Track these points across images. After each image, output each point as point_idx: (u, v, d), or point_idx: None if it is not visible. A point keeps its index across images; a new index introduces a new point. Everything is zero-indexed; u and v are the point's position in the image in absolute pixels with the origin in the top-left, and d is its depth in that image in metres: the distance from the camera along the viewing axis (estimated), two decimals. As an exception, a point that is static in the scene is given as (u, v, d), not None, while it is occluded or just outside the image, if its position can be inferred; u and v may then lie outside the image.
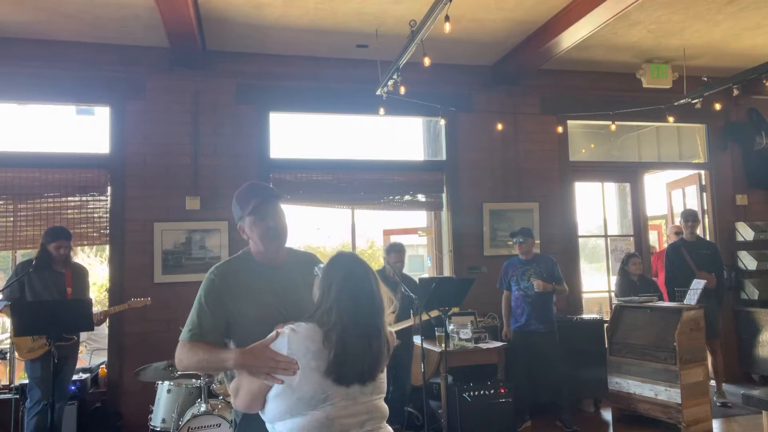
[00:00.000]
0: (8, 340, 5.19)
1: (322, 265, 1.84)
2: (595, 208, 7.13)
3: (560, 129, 6.35)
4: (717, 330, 5.70)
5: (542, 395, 5.19)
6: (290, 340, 1.71)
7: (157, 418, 4.07)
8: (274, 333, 1.74)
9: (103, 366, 5.33)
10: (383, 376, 1.82)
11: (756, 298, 6.49)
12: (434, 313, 4.65)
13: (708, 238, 6.90)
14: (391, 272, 5.05)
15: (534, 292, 5.04)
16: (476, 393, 4.54)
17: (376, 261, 11.64)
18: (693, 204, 7.13)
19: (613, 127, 6.22)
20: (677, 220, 7.30)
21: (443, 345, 4.48)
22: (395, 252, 5.11)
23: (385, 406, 1.84)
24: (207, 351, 1.86)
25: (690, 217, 5.91)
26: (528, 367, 5.09)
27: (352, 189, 5.99)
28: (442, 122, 5.95)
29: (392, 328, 5.15)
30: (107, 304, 5.29)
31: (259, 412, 1.79)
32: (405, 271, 5.34)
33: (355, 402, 1.71)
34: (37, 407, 4.19)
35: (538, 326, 5.06)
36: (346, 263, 1.81)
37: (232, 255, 2.20)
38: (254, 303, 1.96)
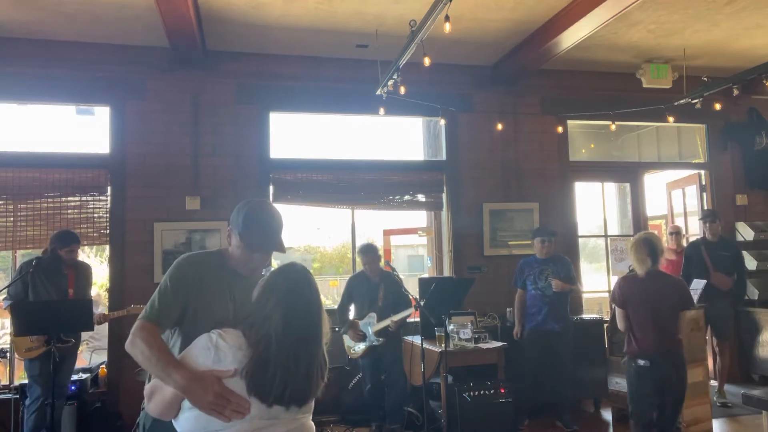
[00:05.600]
0: (8, 338, 5.19)
1: (272, 269, 1.75)
2: (595, 208, 7.13)
3: (560, 129, 6.35)
4: (728, 332, 5.65)
5: (544, 395, 5.20)
6: (218, 346, 1.61)
7: (157, 418, 4.07)
8: (231, 369, 1.59)
9: (103, 366, 5.33)
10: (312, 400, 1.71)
11: (756, 298, 6.49)
12: (406, 314, 4.78)
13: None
14: (370, 274, 5.08)
15: (552, 291, 5.06)
16: (476, 393, 4.54)
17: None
18: (693, 204, 7.12)
19: (613, 127, 6.22)
20: (677, 220, 7.31)
21: (443, 345, 4.48)
22: (362, 254, 5.13)
23: (311, 426, 1.75)
24: (158, 351, 1.73)
25: (707, 217, 5.84)
26: (537, 367, 5.10)
27: (352, 189, 5.98)
28: (442, 122, 5.95)
29: (374, 328, 5.12)
30: (107, 303, 5.29)
31: (173, 420, 1.67)
32: (405, 271, 5.34)
33: (277, 421, 1.60)
34: (36, 404, 4.21)
35: (555, 325, 5.07)
36: (293, 278, 1.69)
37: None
38: (211, 303, 1.93)
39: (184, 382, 1.60)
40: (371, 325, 4.96)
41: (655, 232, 4.44)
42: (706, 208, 6.53)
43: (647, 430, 3.59)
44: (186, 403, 1.62)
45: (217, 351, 1.61)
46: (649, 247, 3.67)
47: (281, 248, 2.00)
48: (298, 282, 1.69)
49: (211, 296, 1.94)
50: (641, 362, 3.56)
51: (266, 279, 1.72)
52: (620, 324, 3.76)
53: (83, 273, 4.62)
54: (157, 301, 1.90)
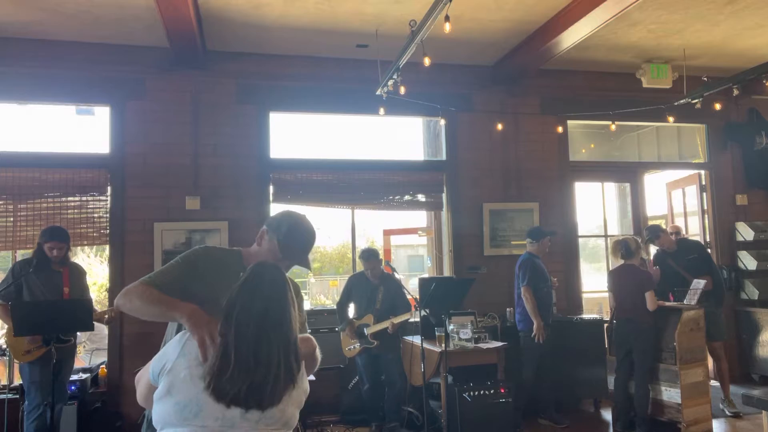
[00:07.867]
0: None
1: (250, 266, 1.72)
2: (595, 208, 7.13)
3: (560, 129, 6.35)
4: (718, 332, 5.62)
5: (544, 393, 5.22)
6: (189, 339, 1.62)
7: (157, 418, 4.06)
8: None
9: (103, 366, 5.33)
10: (285, 410, 1.58)
11: (756, 298, 6.49)
12: (405, 317, 4.87)
13: (708, 238, 6.90)
14: (371, 276, 5.10)
15: (552, 289, 5.32)
16: (476, 393, 4.54)
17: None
18: (693, 204, 7.12)
19: (613, 127, 6.22)
20: (677, 220, 7.31)
21: (443, 345, 4.49)
22: (363, 260, 5.15)
23: None
24: (159, 294, 1.82)
25: (651, 239, 5.55)
26: (540, 366, 5.16)
27: (352, 189, 5.99)
28: (442, 122, 5.95)
29: (371, 330, 5.08)
30: (107, 304, 5.29)
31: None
32: (405, 271, 5.36)
33: (233, 427, 1.51)
34: (37, 411, 4.13)
35: (549, 321, 5.22)
36: (258, 274, 1.65)
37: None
38: (207, 292, 1.91)
39: (191, 309, 1.69)
40: (368, 327, 4.98)
41: (636, 237, 5.27)
42: (650, 224, 6.12)
43: (621, 364, 4.94)
44: (156, 394, 1.60)
45: (183, 345, 1.60)
46: (624, 246, 4.95)
47: (308, 265, 2.08)
48: (262, 277, 1.64)
49: (210, 287, 1.93)
50: (613, 322, 5.10)
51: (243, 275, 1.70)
52: (610, 300, 5.23)
53: (77, 273, 4.52)
54: (165, 269, 1.96)
